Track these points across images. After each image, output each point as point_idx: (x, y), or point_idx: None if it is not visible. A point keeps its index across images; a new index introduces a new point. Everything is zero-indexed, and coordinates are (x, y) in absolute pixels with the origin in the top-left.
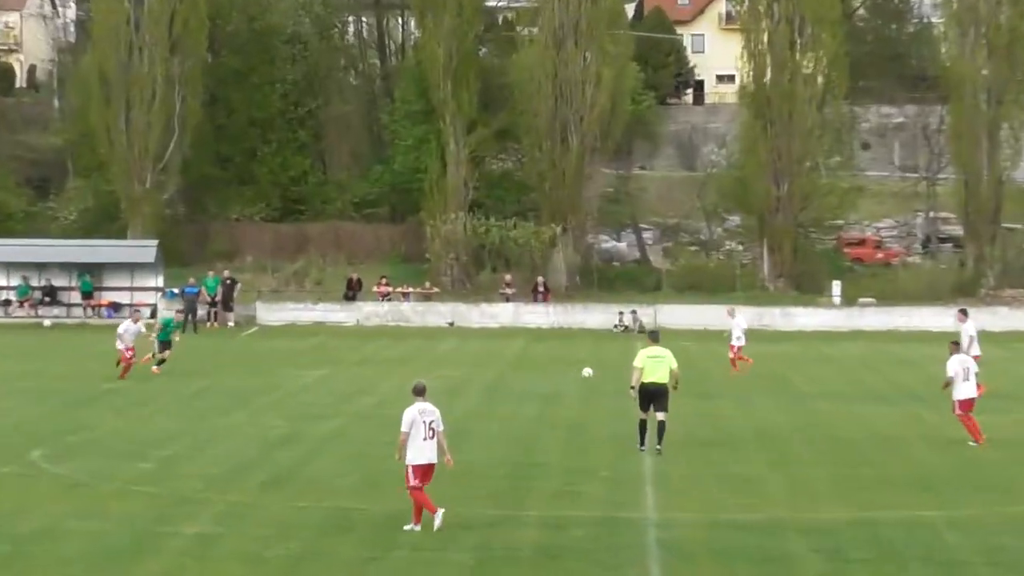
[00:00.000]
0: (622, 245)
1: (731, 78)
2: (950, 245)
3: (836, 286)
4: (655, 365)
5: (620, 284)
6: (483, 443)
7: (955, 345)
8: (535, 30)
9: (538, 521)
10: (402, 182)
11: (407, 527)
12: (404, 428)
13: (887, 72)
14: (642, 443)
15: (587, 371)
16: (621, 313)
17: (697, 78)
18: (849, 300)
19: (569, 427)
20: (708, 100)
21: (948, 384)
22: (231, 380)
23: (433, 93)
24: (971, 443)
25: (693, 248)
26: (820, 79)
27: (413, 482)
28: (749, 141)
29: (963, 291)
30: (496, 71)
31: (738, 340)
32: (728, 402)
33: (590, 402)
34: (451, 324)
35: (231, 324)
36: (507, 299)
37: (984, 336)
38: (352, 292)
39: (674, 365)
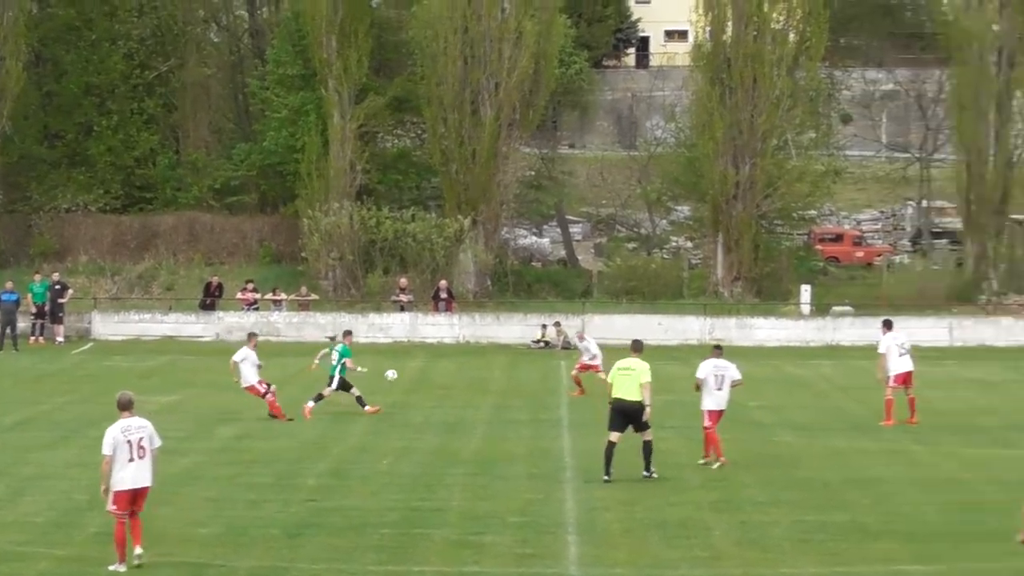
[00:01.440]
0: (544, 241)
1: (683, 35)
2: (946, 241)
3: (805, 291)
4: (623, 379)
5: (541, 289)
6: (370, 484)
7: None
8: None
9: None
10: (273, 163)
11: (111, 567)
12: (106, 451)
13: (875, 29)
14: (607, 472)
15: (390, 373)
16: (544, 326)
17: (641, 35)
18: (821, 309)
19: (474, 463)
20: (654, 62)
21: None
22: (59, 408)
23: (314, 53)
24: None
25: (632, 245)
26: (792, 36)
27: (115, 510)
28: (703, 113)
29: (960, 297)
30: (392, 26)
31: (593, 359)
32: (667, 432)
33: (500, 433)
34: (332, 339)
35: (60, 339)
36: (402, 308)
37: (985, 352)
38: (210, 300)
39: (644, 379)
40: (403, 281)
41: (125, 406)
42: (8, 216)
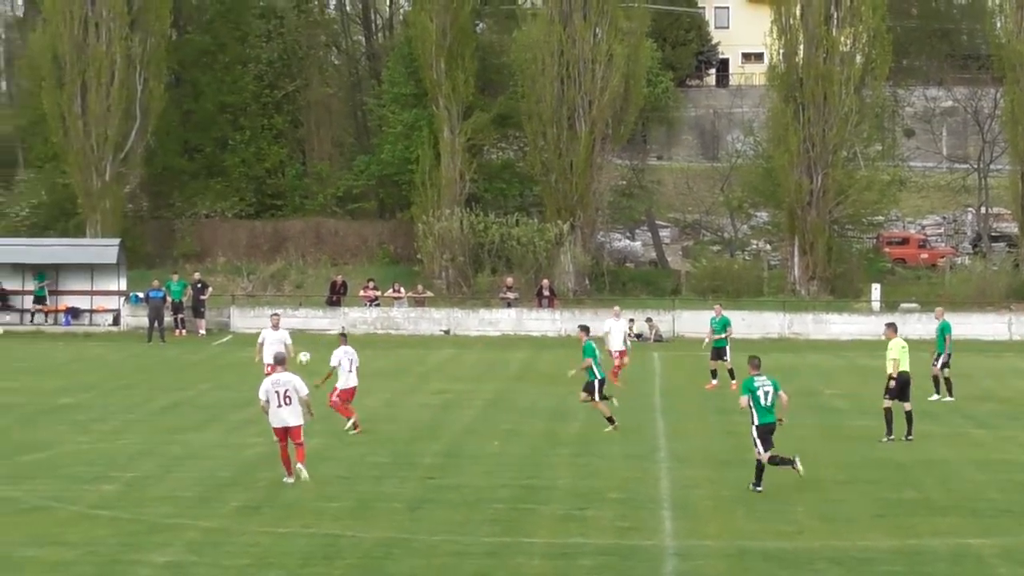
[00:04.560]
0: (636, 244)
1: (759, 56)
2: (1003, 244)
3: (875, 290)
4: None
5: (634, 288)
6: (483, 464)
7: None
8: (539, 2)
9: (543, 549)
10: (390, 174)
11: (284, 479)
12: (261, 397)
13: (934, 50)
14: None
15: (303, 356)
16: (632, 320)
17: (721, 57)
18: (890, 305)
19: (578, 445)
20: (733, 82)
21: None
22: (202, 394)
23: (425, 74)
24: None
25: (716, 248)
26: (859, 58)
27: (276, 440)
28: (779, 128)
29: (1018, 295)
30: (495, 49)
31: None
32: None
33: (600, 417)
34: (447, 332)
35: (202, 332)
36: (508, 304)
37: None
38: (336, 296)
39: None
40: (509, 280)
41: (279, 362)
42: (154, 222)
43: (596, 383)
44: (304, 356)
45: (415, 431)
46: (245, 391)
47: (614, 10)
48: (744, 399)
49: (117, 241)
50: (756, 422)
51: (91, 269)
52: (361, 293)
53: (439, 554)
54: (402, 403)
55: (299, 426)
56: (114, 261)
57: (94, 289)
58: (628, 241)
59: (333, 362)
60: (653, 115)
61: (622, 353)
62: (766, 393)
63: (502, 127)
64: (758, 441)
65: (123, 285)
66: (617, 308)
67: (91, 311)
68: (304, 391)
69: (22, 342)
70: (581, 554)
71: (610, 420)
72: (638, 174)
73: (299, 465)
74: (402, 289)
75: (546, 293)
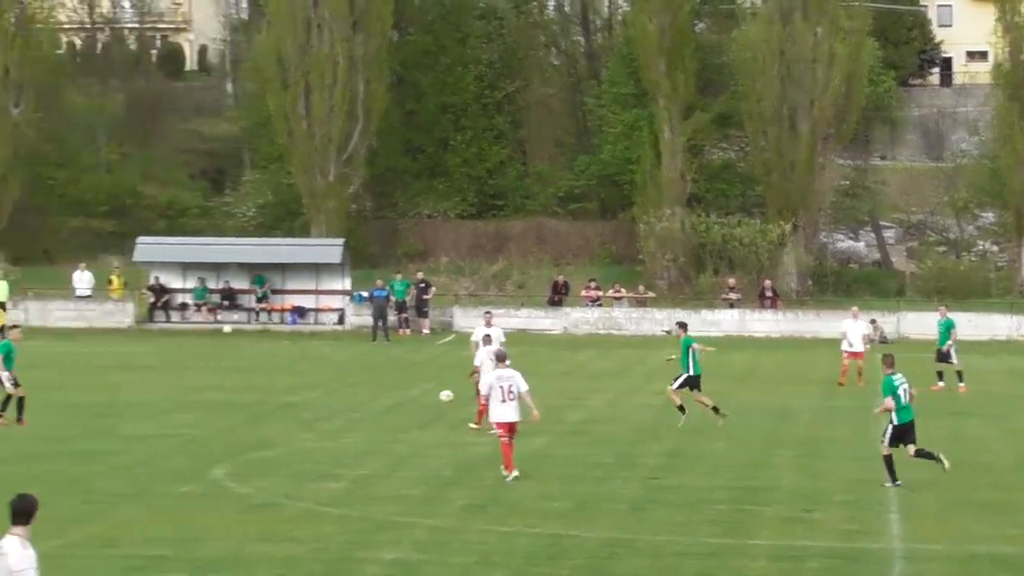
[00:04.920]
0: (860, 245)
1: (983, 55)
2: None
3: None
4: None
5: (857, 288)
6: (706, 464)
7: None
8: (759, 1)
9: (768, 551)
10: (611, 174)
11: (505, 475)
12: (483, 391)
13: None
14: None
15: (445, 394)
16: (873, 321)
17: (944, 55)
18: None
19: (801, 446)
20: (956, 80)
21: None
22: (426, 394)
23: (644, 74)
24: None
25: (941, 248)
26: None
27: (500, 434)
28: (1005, 127)
29: None
30: (715, 49)
31: (849, 346)
32: (979, 421)
33: (825, 419)
34: (668, 332)
35: (426, 331)
36: (731, 305)
37: None
38: (558, 296)
39: None
40: (731, 281)
41: (501, 358)
42: (377, 222)
43: (684, 377)
44: (446, 395)
45: (638, 431)
46: (468, 389)
47: (835, 9)
48: (890, 401)
49: (341, 241)
50: (895, 421)
51: (316, 269)
52: (583, 293)
53: (663, 554)
54: (624, 403)
55: (518, 421)
56: (338, 261)
57: (319, 288)
58: (851, 242)
59: (477, 362)
60: (876, 114)
61: (858, 354)
62: (905, 391)
63: (723, 127)
64: (887, 438)
65: (347, 284)
66: (855, 309)
67: (316, 310)
68: (525, 387)
69: (249, 340)
70: (807, 556)
71: (681, 409)
72: (861, 174)
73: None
74: (623, 289)
75: (768, 294)
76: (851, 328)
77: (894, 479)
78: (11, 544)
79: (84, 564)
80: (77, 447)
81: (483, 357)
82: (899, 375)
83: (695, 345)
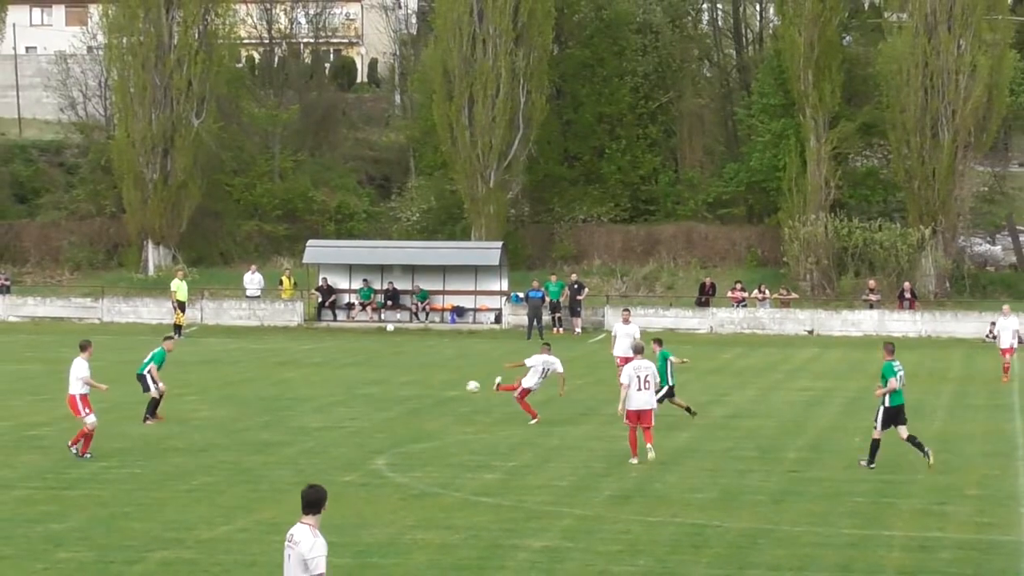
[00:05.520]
0: (996, 248)
1: None
2: None
3: None
4: None
5: (994, 291)
6: (844, 458)
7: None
8: (904, 16)
9: (902, 542)
10: (758, 181)
11: (631, 460)
12: (623, 380)
13: None
14: None
15: (472, 385)
16: (993, 323)
17: None
18: None
19: (936, 443)
20: None
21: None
22: (578, 389)
23: (793, 85)
24: None
25: None
26: None
27: (627, 422)
28: None
29: None
30: (861, 61)
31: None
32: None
33: (959, 416)
34: (811, 332)
35: (578, 331)
36: (871, 306)
37: None
38: (705, 298)
39: None
40: (872, 283)
41: (637, 351)
42: (534, 226)
43: (666, 388)
44: (473, 385)
45: (781, 426)
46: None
47: (978, 22)
48: (893, 381)
49: (499, 244)
50: (887, 404)
51: (475, 270)
52: (729, 294)
53: (801, 544)
54: (768, 400)
55: (651, 410)
56: (496, 263)
57: (478, 289)
58: (989, 245)
59: (529, 363)
60: (1016, 123)
61: (1005, 351)
62: (900, 377)
63: (867, 136)
64: (879, 421)
65: (505, 285)
66: (1006, 307)
67: (475, 310)
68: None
69: (411, 339)
70: (940, 547)
71: (688, 410)
72: (999, 180)
73: (648, 445)
74: (767, 291)
75: (907, 295)
76: (1001, 324)
77: (871, 462)
78: (302, 532)
79: (249, 548)
80: (249, 438)
81: (537, 361)
82: (897, 362)
83: (672, 358)
